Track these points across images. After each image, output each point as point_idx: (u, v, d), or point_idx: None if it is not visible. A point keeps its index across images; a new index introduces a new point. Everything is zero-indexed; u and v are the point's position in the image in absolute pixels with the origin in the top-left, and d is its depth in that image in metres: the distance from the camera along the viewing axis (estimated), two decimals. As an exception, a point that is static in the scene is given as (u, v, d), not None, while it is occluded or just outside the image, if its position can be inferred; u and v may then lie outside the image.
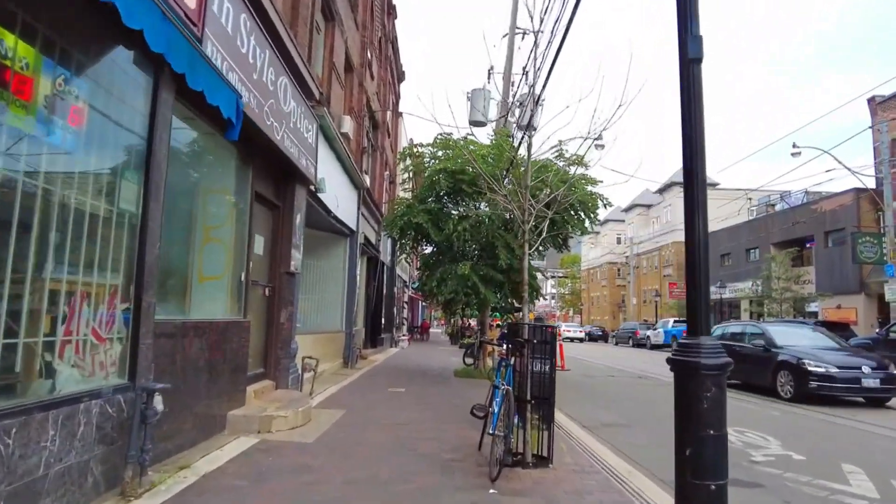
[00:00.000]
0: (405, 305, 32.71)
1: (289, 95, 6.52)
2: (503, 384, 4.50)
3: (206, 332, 5.00)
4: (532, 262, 12.99)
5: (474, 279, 10.60)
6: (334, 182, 10.34)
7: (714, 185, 44.80)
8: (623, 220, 58.17)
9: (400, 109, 25.88)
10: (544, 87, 5.99)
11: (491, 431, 4.34)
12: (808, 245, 29.36)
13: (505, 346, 5.06)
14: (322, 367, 10.02)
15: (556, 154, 11.26)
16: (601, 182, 12.21)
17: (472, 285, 10.64)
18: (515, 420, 4.55)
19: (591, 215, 12.16)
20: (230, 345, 5.51)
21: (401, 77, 24.01)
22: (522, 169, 6.07)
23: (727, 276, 33.06)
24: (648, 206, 53.56)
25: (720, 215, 35.93)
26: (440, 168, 11.46)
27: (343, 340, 12.48)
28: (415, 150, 11.99)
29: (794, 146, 19.57)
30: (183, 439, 4.54)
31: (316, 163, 7.83)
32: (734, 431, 7.07)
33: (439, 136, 11.95)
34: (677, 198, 45.42)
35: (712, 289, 35.53)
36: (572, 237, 13.30)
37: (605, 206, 12.28)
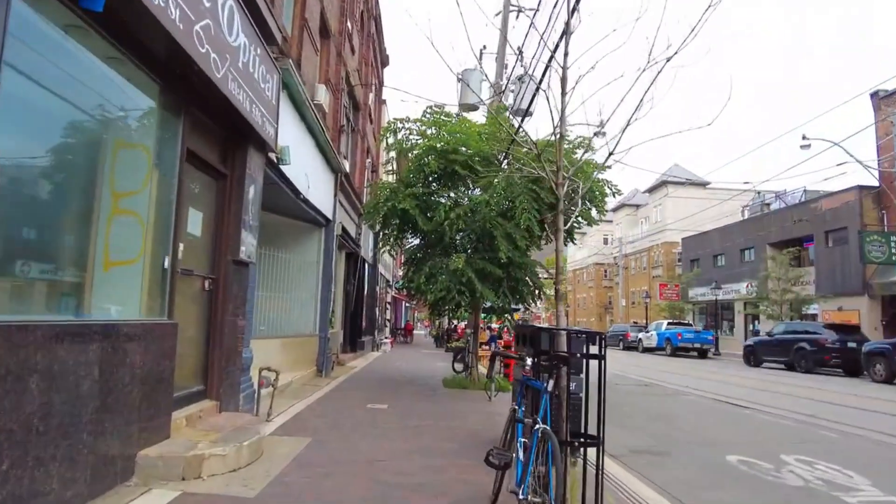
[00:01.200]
0: (388, 306, 31.19)
1: (237, 25, 4.93)
2: (538, 421, 2.96)
3: (97, 338, 3.41)
4: (531, 258, 11.55)
5: (469, 274, 9.05)
6: (305, 160, 8.75)
7: (705, 184, 44.02)
8: (611, 221, 57.18)
9: (384, 98, 24.29)
10: (571, 14, 4.52)
11: (521, 494, 2.82)
12: (805, 245, 28.37)
13: (530, 362, 3.52)
14: (290, 377, 8.45)
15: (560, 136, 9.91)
16: (609, 168, 10.88)
17: (467, 282, 9.09)
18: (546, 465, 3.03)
19: (600, 205, 10.84)
20: (144, 356, 3.92)
21: (384, 61, 22.40)
22: (557, 117, 4.59)
23: (721, 278, 32.00)
24: (637, 207, 52.60)
25: (715, 215, 34.95)
26: (429, 147, 9.94)
27: (316, 345, 10.86)
28: (399, 124, 10.39)
29: (803, 138, 18.44)
30: (45, 506, 2.95)
31: (277, 124, 6.23)
32: (797, 462, 5.68)
33: (429, 110, 10.41)
34: (668, 197, 44.44)
35: (705, 290, 34.60)
36: (578, 228, 11.92)
37: (613, 194, 10.95)
